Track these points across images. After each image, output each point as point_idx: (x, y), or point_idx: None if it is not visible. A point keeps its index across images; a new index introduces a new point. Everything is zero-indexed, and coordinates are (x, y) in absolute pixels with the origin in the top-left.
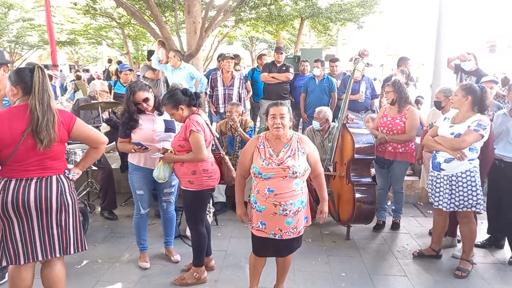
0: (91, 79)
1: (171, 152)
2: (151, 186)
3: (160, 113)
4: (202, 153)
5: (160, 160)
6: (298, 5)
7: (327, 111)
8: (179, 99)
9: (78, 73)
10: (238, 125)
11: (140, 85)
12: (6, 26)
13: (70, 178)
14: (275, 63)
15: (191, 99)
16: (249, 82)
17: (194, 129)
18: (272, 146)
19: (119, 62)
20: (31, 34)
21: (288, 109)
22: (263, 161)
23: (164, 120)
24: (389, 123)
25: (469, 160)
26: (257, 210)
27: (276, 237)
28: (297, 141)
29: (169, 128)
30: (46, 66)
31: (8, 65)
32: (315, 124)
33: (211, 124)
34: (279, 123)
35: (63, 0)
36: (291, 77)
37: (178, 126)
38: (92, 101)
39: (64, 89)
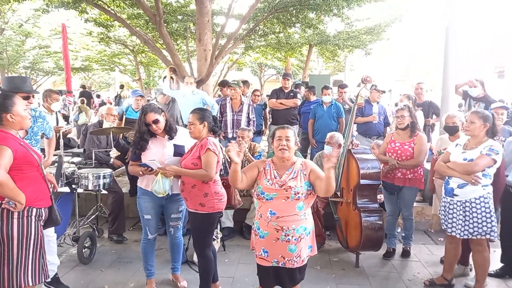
0: (102, 104)
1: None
2: (159, 210)
3: (171, 138)
4: (212, 172)
5: (158, 174)
6: (306, 33)
7: (340, 136)
8: (207, 116)
9: (82, 97)
10: (247, 150)
11: (153, 107)
12: (23, 53)
13: (4, 206)
14: (283, 89)
15: (215, 126)
16: (267, 110)
17: (211, 148)
18: (277, 168)
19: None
20: (47, 61)
21: (293, 133)
22: (268, 181)
23: (174, 145)
24: (398, 149)
25: (482, 186)
26: (260, 237)
27: (280, 265)
28: (301, 164)
29: (178, 152)
30: (61, 92)
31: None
32: (328, 149)
33: None
34: (284, 145)
35: (79, 28)
36: (299, 103)
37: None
38: (104, 127)
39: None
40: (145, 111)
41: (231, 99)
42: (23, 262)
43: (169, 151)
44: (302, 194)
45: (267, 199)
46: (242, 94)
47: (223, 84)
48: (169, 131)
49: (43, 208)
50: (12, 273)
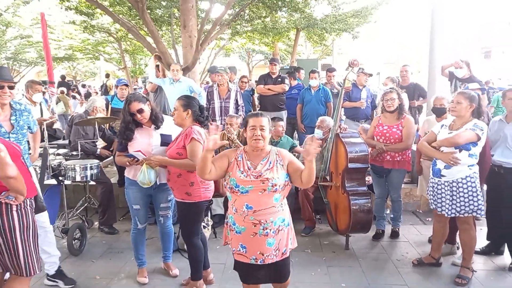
0: (88, 94)
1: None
2: (148, 200)
3: (157, 127)
4: (197, 162)
5: (143, 164)
6: (293, 17)
7: (330, 121)
8: (192, 104)
9: (62, 88)
10: (235, 137)
11: (137, 97)
12: (4, 43)
13: (2, 200)
14: (270, 74)
15: (201, 116)
16: (255, 96)
17: (195, 137)
18: (250, 159)
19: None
20: (29, 51)
21: (268, 120)
22: (242, 173)
23: (161, 134)
24: (386, 132)
25: (468, 166)
26: (236, 232)
27: (258, 262)
28: (276, 154)
29: (165, 142)
30: (45, 82)
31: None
32: (318, 133)
33: None
34: (258, 135)
35: (61, 17)
36: (287, 88)
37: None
38: (88, 117)
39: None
40: (129, 100)
41: (218, 85)
42: (28, 251)
43: (156, 140)
44: (279, 186)
45: (242, 192)
46: (230, 81)
47: (213, 70)
48: (155, 121)
49: (32, 198)
50: (20, 263)
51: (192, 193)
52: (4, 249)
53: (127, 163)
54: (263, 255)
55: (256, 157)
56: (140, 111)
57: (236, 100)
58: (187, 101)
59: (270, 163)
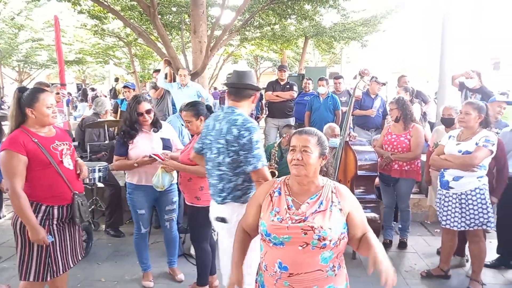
0: (95, 97)
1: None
2: (152, 204)
3: (156, 130)
4: None
5: (159, 168)
6: (302, 25)
7: (336, 127)
8: (202, 110)
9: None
10: None
11: (145, 97)
12: (16, 46)
13: None
14: (279, 81)
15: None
16: (263, 102)
17: None
18: (292, 194)
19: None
20: (40, 54)
21: (317, 140)
22: (275, 216)
23: (162, 138)
24: (394, 141)
25: (478, 178)
26: None
27: None
28: (332, 192)
29: (166, 146)
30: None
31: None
32: (334, 142)
33: None
34: (298, 159)
35: (72, 21)
36: (295, 95)
37: (173, 144)
38: (98, 120)
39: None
40: (139, 100)
41: None
42: (26, 259)
43: (158, 145)
44: (331, 240)
45: (274, 244)
46: None
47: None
48: (155, 123)
49: (56, 207)
50: (18, 264)
51: (201, 197)
52: None
53: (135, 165)
54: None
55: (302, 192)
56: (149, 111)
57: None
58: (196, 109)
59: (322, 203)
